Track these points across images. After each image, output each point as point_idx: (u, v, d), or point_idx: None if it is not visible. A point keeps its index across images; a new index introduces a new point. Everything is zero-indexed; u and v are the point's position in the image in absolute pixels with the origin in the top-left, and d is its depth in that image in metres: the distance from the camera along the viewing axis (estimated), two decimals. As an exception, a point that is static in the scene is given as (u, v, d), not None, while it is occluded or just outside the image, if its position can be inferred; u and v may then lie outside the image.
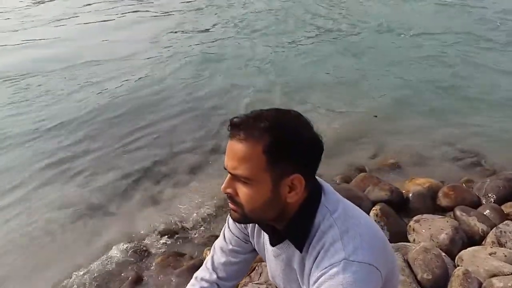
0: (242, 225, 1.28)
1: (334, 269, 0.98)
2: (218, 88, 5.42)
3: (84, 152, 4.07)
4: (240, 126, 1.00)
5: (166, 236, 2.95)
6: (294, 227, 1.07)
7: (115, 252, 2.82)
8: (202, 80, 5.70)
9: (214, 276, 1.32)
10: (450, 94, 5.13)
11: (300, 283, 1.15)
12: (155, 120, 4.65)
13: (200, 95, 5.24)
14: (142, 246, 2.87)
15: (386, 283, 1.06)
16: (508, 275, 2.19)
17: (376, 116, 4.62)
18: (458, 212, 2.96)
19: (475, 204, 3.16)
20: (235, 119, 1.02)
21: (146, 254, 2.82)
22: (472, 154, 3.89)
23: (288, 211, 1.06)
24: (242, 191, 1.03)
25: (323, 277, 1.00)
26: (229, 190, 1.05)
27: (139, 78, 5.69)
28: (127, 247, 2.86)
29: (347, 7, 8.87)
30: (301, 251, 1.08)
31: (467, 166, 3.74)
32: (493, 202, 3.16)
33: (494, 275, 2.22)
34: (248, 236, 1.29)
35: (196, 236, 2.98)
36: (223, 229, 1.35)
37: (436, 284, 2.22)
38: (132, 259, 2.77)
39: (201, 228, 3.05)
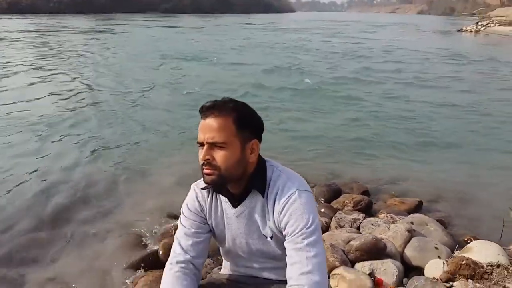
0: (198, 209, 1.57)
1: (293, 197, 1.42)
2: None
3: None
4: (214, 107, 1.40)
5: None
6: (256, 178, 1.48)
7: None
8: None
9: (188, 256, 1.51)
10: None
11: (261, 229, 1.51)
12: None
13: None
14: None
15: None
16: (357, 237, 2.99)
17: None
18: (305, 214, 3.72)
19: (313, 206, 4.02)
20: (207, 104, 1.41)
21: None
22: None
23: (249, 169, 1.47)
24: (219, 154, 1.39)
25: (287, 205, 1.42)
26: (208, 157, 1.39)
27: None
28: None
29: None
30: (263, 196, 1.47)
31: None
32: (324, 202, 4.09)
33: (349, 241, 2.98)
34: (205, 218, 1.58)
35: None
36: (179, 221, 1.60)
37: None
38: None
39: None
